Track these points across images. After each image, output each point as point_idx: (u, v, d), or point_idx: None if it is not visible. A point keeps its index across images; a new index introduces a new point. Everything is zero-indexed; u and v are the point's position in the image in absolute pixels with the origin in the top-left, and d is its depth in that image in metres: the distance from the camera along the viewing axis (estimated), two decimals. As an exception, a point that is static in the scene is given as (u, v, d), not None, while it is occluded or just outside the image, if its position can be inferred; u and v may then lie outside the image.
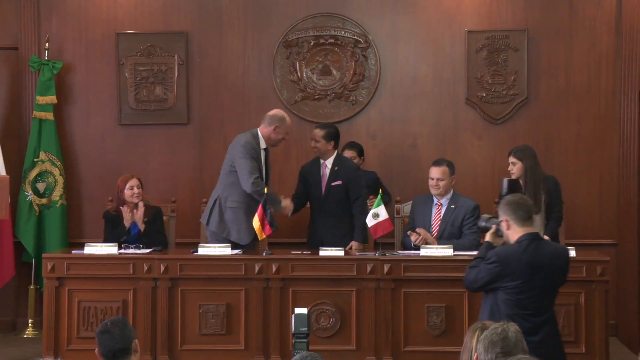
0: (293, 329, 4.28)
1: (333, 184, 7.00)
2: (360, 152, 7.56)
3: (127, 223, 6.77)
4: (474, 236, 6.59)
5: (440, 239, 6.65)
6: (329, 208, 7.02)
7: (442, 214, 6.75)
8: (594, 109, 7.79)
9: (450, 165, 6.78)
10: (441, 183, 6.71)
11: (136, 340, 3.87)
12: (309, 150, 7.48)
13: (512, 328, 3.41)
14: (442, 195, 6.75)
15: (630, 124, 7.72)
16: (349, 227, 6.98)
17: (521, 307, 4.77)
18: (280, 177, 7.80)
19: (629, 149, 7.73)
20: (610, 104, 7.78)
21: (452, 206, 6.73)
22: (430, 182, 6.78)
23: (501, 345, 3.33)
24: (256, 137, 6.88)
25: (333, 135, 7.04)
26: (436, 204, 6.80)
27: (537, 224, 6.66)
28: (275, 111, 6.97)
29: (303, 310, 4.37)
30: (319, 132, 7.05)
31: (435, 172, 6.74)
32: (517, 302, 4.77)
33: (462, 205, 6.73)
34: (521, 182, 6.70)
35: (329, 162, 7.05)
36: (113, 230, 6.82)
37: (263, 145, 6.89)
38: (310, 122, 7.88)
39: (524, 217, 4.86)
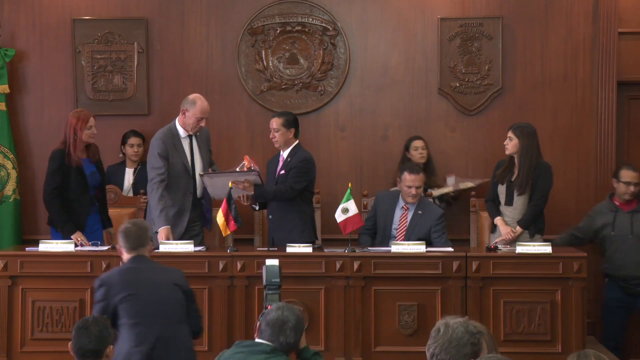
0: (265, 281, 4.31)
1: (281, 172, 6.70)
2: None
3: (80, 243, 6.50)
4: (444, 241, 6.62)
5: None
6: (273, 202, 6.74)
7: (408, 218, 6.73)
8: (570, 99, 7.78)
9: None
10: (419, 191, 6.66)
11: (112, 347, 3.79)
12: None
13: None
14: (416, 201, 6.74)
15: (608, 115, 7.70)
16: (294, 223, 6.67)
17: None
18: (246, 169, 7.66)
19: (607, 141, 7.72)
20: (587, 94, 7.77)
21: (420, 212, 6.71)
22: (408, 191, 6.71)
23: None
24: (173, 127, 6.66)
25: (292, 122, 6.73)
26: (402, 207, 6.78)
27: (519, 205, 6.67)
28: (189, 96, 6.70)
29: (274, 262, 4.43)
30: (277, 121, 6.73)
31: (414, 180, 6.66)
32: None
33: (429, 213, 6.71)
34: (515, 159, 6.63)
35: (285, 153, 6.75)
36: (58, 173, 6.48)
37: (183, 134, 6.65)
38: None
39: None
